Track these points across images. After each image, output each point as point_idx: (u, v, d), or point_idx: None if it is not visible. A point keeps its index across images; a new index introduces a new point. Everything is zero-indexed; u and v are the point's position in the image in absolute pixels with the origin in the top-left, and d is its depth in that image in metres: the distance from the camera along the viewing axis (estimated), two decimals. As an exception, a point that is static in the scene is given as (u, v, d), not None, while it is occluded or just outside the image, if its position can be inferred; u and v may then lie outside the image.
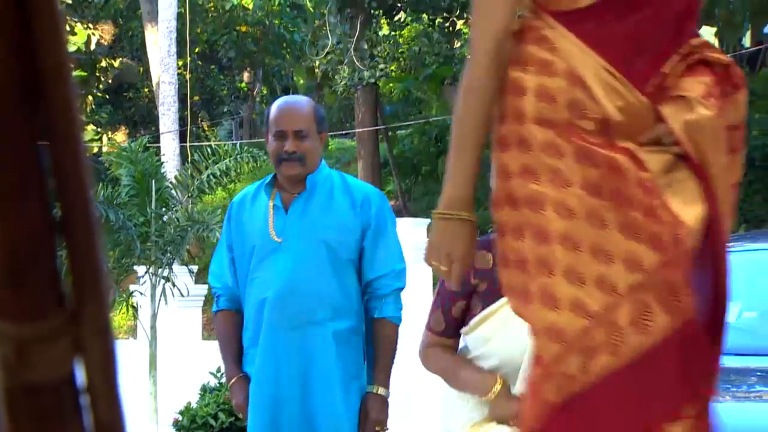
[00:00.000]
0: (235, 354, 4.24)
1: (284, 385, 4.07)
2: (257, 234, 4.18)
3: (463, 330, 3.60)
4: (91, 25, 28.75)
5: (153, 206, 12.65)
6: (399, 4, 21.05)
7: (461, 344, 3.69)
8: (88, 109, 28.89)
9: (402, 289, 4.21)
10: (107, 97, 30.57)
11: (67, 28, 20.90)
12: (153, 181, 12.73)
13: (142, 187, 12.70)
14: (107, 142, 28.12)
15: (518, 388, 3.44)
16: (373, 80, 20.23)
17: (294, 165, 4.11)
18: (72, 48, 23.06)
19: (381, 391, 4.13)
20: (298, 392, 4.06)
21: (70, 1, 26.48)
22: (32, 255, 0.72)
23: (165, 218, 12.93)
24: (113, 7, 28.86)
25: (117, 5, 28.68)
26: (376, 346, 4.18)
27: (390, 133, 23.04)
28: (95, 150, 27.37)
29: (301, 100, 4.32)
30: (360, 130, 21.60)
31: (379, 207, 4.20)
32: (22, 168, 0.72)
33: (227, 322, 4.29)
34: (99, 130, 29.92)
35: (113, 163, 14.13)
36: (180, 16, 21.48)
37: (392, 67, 21.03)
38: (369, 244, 4.16)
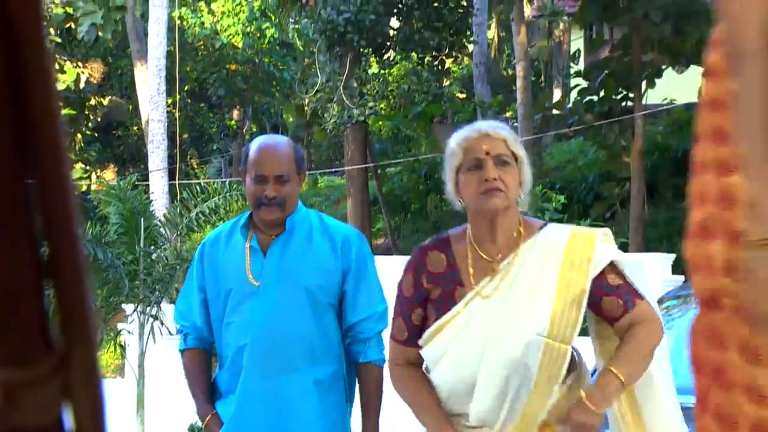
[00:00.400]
0: (206, 391, 4.12)
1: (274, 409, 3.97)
2: (233, 277, 4.05)
3: (420, 342, 3.43)
4: (80, 64, 28.80)
5: (142, 244, 12.63)
6: (388, 43, 21.14)
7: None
8: (76, 148, 28.91)
9: (384, 329, 4.07)
10: (96, 135, 30.60)
11: (57, 66, 20.94)
12: (142, 219, 12.72)
13: (130, 225, 12.68)
14: (96, 180, 28.11)
15: (471, 410, 3.31)
16: (362, 118, 20.28)
17: (274, 210, 3.99)
18: (61, 86, 23.11)
19: None
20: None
21: (59, 40, 26.53)
22: (20, 298, 0.71)
23: (154, 256, 12.90)
24: (103, 45, 28.93)
25: (106, 44, 28.76)
26: (363, 392, 4.10)
27: (379, 171, 23.07)
28: (84, 188, 27.35)
29: (281, 142, 4.14)
30: (349, 167, 21.62)
31: (358, 249, 4.10)
32: (10, 207, 0.71)
33: (195, 360, 4.19)
34: (88, 168, 29.94)
35: (102, 201, 14.11)
36: (170, 55, 21.54)
37: (381, 105, 21.09)
38: (350, 287, 4.05)
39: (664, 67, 18.08)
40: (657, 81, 17.91)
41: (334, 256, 4.05)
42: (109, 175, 29.52)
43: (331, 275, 4.04)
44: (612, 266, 3.35)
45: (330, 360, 4.02)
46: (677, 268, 11.37)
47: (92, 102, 29.86)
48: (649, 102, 17.81)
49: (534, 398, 3.24)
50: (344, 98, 20.08)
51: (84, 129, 29.69)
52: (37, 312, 0.72)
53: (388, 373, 3.61)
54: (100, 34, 22.12)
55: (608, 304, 3.31)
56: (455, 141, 3.38)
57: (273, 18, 30.70)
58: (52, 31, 24.41)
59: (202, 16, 30.10)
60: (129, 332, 13.00)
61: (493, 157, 3.29)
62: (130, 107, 29.84)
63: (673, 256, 11.71)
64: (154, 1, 20.27)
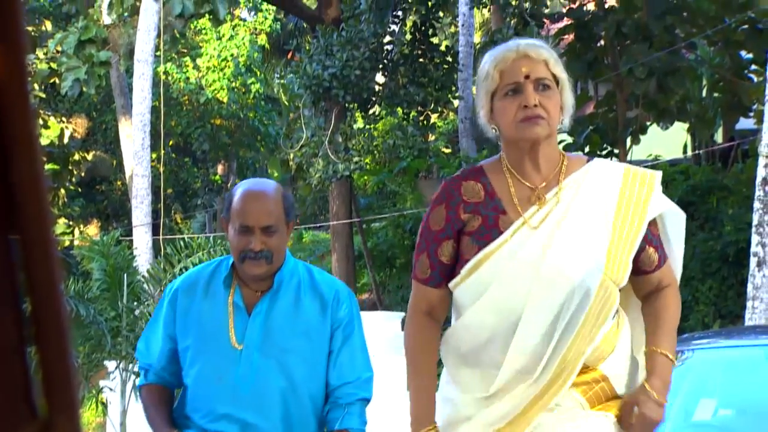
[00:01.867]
0: (168, 420, 3.73)
1: None
2: (213, 336, 3.68)
3: (452, 284, 3.13)
4: (64, 119, 28.85)
5: (125, 300, 12.59)
6: (374, 98, 21.23)
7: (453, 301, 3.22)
8: (60, 203, 28.85)
9: (368, 401, 3.73)
10: (80, 190, 30.56)
11: (41, 121, 20.97)
12: (125, 274, 12.69)
13: (113, 281, 12.65)
14: (79, 235, 28.03)
15: (508, 359, 3.02)
16: (347, 173, 20.31)
17: (260, 264, 3.61)
18: (45, 141, 23.11)
19: None
20: None
21: (43, 95, 26.58)
22: (3, 361, 0.71)
23: (137, 312, 12.85)
24: (87, 100, 28.99)
25: (91, 99, 28.81)
26: None
27: (364, 226, 23.07)
28: (67, 244, 27.24)
29: (269, 188, 3.73)
30: (334, 222, 21.62)
31: (349, 307, 3.74)
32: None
33: (155, 394, 3.81)
34: (71, 223, 29.86)
35: (85, 257, 14.08)
36: (154, 109, 21.58)
37: (367, 160, 21.14)
38: (336, 347, 3.70)
39: (648, 123, 18.19)
40: (642, 137, 18.01)
41: (323, 316, 3.71)
42: (93, 230, 29.45)
43: (320, 338, 3.70)
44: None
45: (317, 425, 3.72)
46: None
47: (76, 157, 29.86)
48: (634, 158, 17.89)
49: (578, 341, 3.00)
50: (329, 153, 20.13)
51: (67, 184, 29.66)
52: (20, 376, 0.72)
53: (406, 318, 3.31)
54: (84, 89, 22.16)
55: (647, 254, 3.13)
56: (491, 62, 3.09)
57: (258, 73, 30.88)
58: (36, 86, 24.47)
59: (187, 71, 30.20)
60: (111, 389, 12.91)
61: (533, 81, 3.03)
62: (114, 162, 29.84)
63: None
64: (139, 56, 20.33)
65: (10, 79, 0.74)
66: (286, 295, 3.71)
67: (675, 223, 3.23)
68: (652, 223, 3.14)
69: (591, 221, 3.06)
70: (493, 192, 3.11)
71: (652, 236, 3.14)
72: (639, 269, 3.15)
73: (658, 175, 3.19)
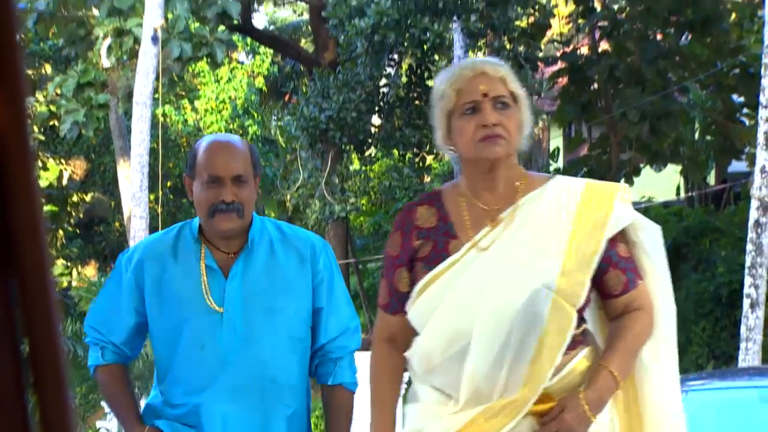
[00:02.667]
0: (135, 410, 3.49)
1: None
2: (189, 303, 3.40)
3: (408, 304, 3.00)
4: (63, 161, 28.89)
5: (121, 341, 12.56)
6: (370, 140, 21.30)
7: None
8: (58, 244, 28.83)
9: (356, 349, 3.53)
10: (78, 231, 30.54)
11: (40, 163, 21.02)
12: (122, 315, 12.66)
13: (111, 322, 12.62)
14: (77, 276, 28.00)
15: (464, 381, 2.88)
16: (343, 214, 20.35)
17: (232, 217, 3.33)
18: (44, 183, 23.18)
19: None
20: None
21: (42, 138, 26.64)
22: (2, 407, 0.71)
23: (133, 353, 12.81)
24: (86, 143, 29.04)
25: (90, 141, 28.87)
26: (330, 419, 3.51)
27: (360, 266, 23.06)
28: (65, 285, 27.22)
29: (235, 139, 3.53)
30: (330, 264, 21.61)
31: (327, 259, 3.50)
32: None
33: (116, 377, 3.55)
34: (69, 264, 29.82)
35: (82, 298, 14.06)
36: (152, 151, 21.63)
37: (363, 201, 21.18)
38: (321, 304, 3.46)
39: (642, 165, 18.26)
40: (635, 179, 18.06)
41: (301, 270, 3.46)
42: (90, 271, 29.40)
43: (303, 294, 3.46)
44: (623, 234, 2.97)
45: (302, 393, 3.47)
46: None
47: (75, 198, 29.87)
48: (627, 199, 17.89)
49: (536, 366, 2.84)
50: (326, 194, 20.16)
51: (66, 225, 29.66)
52: (19, 419, 0.72)
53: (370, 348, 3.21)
54: (83, 131, 22.23)
55: (612, 277, 2.93)
56: (446, 81, 2.97)
57: (256, 115, 30.97)
58: (35, 128, 24.54)
59: (186, 113, 30.30)
60: (107, 430, 12.85)
61: (491, 99, 2.90)
62: (113, 203, 29.84)
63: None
64: (138, 99, 20.40)
65: (11, 127, 0.75)
66: (259, 253, 3.44)
67: (649, 237, 3.02)
68: (619, 244, 2.95)
69: (543, 241, 2.90)
70: (446, 216, 3.00)
71: (619, 258, 2.94)
72: (605, 293, 2.97)
73: (621, 187, 3.03)
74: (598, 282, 2.94)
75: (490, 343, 2.85)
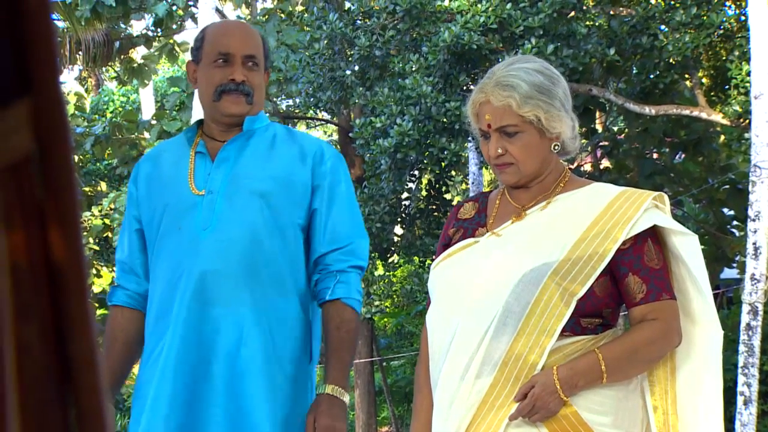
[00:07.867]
0: (113, 374, 2.97)
1: (203, 379, 2.78)
2: (171, 188, 2.92)
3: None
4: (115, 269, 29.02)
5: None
6: (392, 248, 21.32)
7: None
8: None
9: (363, 269, 2.95)
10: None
11: (94, 271, 21.19)
12: None
13: None
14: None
15: (462, 337, 2.62)
16: (369, 316, 20.27)
17: (240, 100, 2.87)
18: (97, 289, 23.34)
19: (334, 391, 2.82)
20: (222, 388, 2.78)
21: (97, 248, 26.83)
22: None
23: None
24: (136, 250, 29.20)
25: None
26: (326, 334, 2.87)
27: (384, 364, 22.91)
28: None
29: (245, 24, 3.04)
30: (357, 361, 21.49)
31: (334, 164, 2.96)
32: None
33: (122, 322, 3.08)
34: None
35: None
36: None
37: (386, 304, 21.13)
38: (320, 206, 2.91)
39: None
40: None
41: (302, 164, 2.92)
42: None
43: (297, 186, 2.91)
44: (657, 244, 2.66)
45: (292, 293, 2.89)
46: None
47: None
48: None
49: (518, 345, 2.56)
50: (353, 298, 20.14)
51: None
52: None
53: None
54: (134, 240, 22.34)
55: (631, 283, 2.62)
56: (469, 102, 2.76)
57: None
58: (90, 240, 24.77)
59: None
60: None
61: (496, 130, 2.68)
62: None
63: None
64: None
65: (69, 261, 0.76)
66: (258, 142, 2.95)
67: (686, 245, 2.68)
68: (647, 252, 2.64)
69: (557, 231, 2.65)
70: (484, 210, 2.85)
71: (642, 265, 2.62)
72: (626, 300, 2.65)
73: (652, 194, 2.72)
74: (621, 285, 2.65)
75: (471, 322, 2.62)
